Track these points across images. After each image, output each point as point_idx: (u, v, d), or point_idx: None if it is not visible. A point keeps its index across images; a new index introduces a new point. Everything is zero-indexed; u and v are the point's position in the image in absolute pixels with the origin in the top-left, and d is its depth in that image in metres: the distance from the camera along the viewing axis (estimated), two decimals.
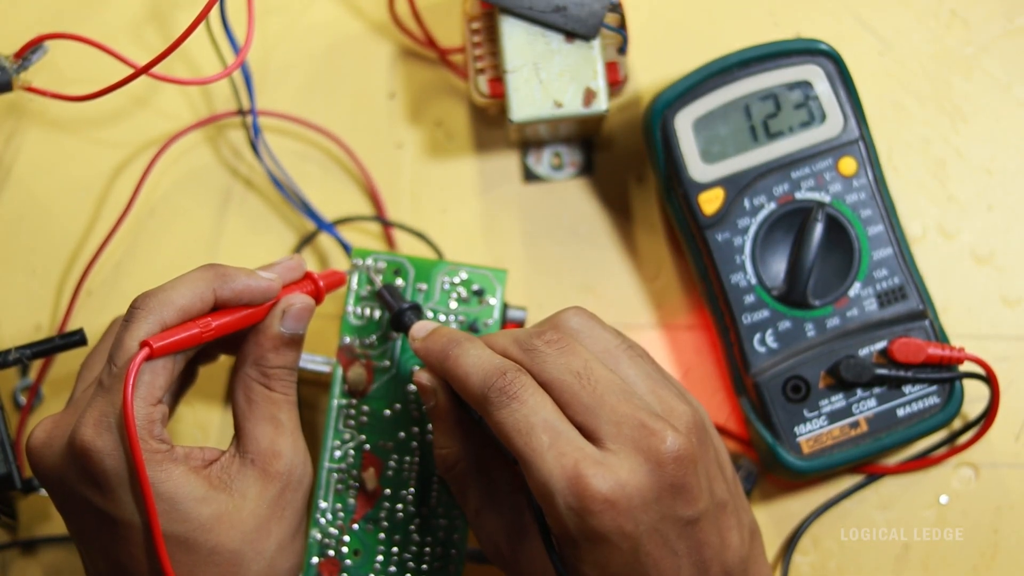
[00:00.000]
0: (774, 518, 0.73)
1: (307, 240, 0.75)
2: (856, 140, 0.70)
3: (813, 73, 0.70)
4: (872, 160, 0.70)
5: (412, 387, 0.68)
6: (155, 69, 0.64)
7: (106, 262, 0.75)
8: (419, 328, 0.63)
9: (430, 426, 0.68)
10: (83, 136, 0.76)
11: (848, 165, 0.70)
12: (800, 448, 0.69)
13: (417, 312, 0.66)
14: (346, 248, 0.73)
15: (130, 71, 0.64)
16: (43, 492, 0.69)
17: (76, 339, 0.67)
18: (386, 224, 0.75)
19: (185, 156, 0.76)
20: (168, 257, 0.75)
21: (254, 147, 0.74)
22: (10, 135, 0.76)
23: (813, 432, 0.69)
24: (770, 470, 0.71)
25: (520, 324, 0.70)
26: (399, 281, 0.69)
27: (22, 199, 0.75)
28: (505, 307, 0.70)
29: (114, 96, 0.66)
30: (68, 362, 0.74)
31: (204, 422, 0.74)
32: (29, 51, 0.68)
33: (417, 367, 0.63)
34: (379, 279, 0.69)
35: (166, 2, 0.76)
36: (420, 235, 0.74)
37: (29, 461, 0.59)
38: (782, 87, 0.70)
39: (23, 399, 0.73)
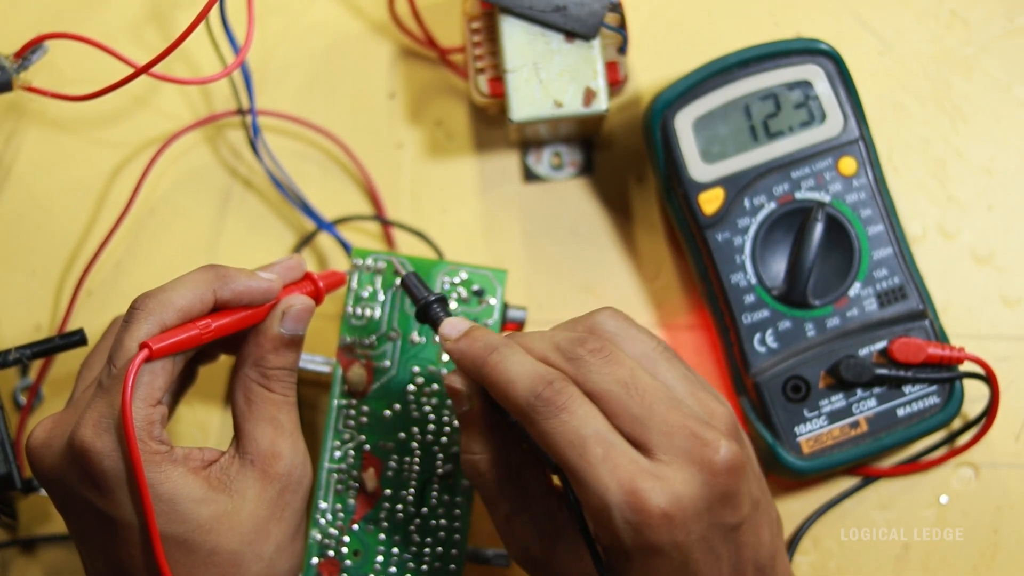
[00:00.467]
0: None
1: (307, 240, 0.75)
2: (856, 140, 0.70)
3: (813, 73, 0.70)
4: (872, 160, 0.70)
5: (412, 387, 0.68)
6: (155, 69, 0.64)
7: (106, 262, 0.75)
8: (451, 327, 0.61)
9: (431, 426, 0.68)
10: (83, 136, 0.76)
11: (848, 165, 0.70)
12: (800, 448, 0.69)
13: (443, 305, 0.63)
14: (346, 248, 0.73)
15: (130, 71, 0.64)
16: (43, 492, 0.69)
17: (76, 339, 0.67)
18: (386, 224, 0.75)
19: (185, 156, 0.76)
20: (168, 257, 0.75)
21: (254, 147, 0.74)
22: (10, 135, 0.76)
23: (813, 432, 0.69)
24: (770, 470, 0.71)
25: (520, 324, 0.70)
26: (398, 281, 0.69)
27: (22, 199, 0.75)
28: (505, 307, 0.70)
29: (114, 96, 0.66)
30: (68, 362, 0.74)
31: (204, 422, 0.74)
32: (29, 51, 0.67)
33: (446, 370, 0.62)
34: (404, 267, 0.67)
35: (166, 2, 0.76)
36: (420, 234, 0.74)
37: (29, 461, 0.59)
38: (782, 87, 0.70)
39: (23, 399, 0.73)
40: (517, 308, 0.70)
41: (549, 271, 0.75)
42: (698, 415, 0.57)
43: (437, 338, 0.62)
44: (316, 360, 0.69)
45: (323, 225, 0.74)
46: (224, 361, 0.71)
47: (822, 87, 0.70)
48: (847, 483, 0.73)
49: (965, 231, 0.74)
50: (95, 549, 0.58)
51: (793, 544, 0.72)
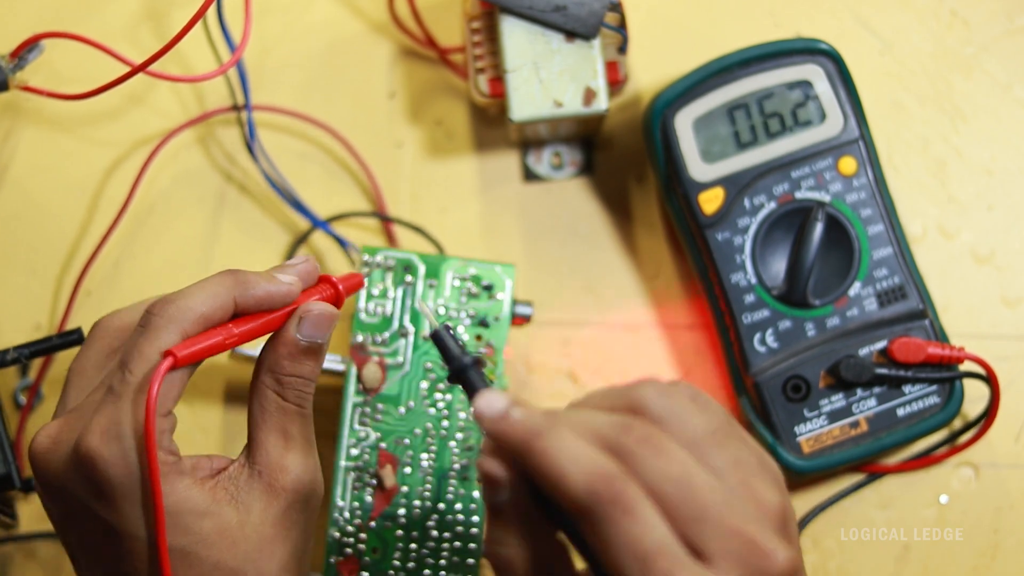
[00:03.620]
0: None
1: (303, 238, 0.75)
2: (856, 140, 0.70)
3: (813, 73, 0.70)
4: (872, 160, 0.70)
5: (425, 383, 0.69)
6: (151, 67, 0.64)
7: (104, 261, 0.74)
8: (487, 405, 0.53)
9: (445, 422, 0.68)
10: (80, 135, 0.75)
11: (848, 165, 0.70)
12: (800, 448, 0.69)
13: (479, 368, 0.55)
14: (343, 244, 0.73)
15: (126, 70, 0.64)
16: None
17: (74, 338, 0.67)
18: (383, 219, 0.75)
19: (181, 154, 0.75)
20: (166, 255, 0.75)
21: (249, 146, 0.74)
22: (6, 134, 0.75)
23: (813, 432, 0.69)
24: None
25: (527, 319, 0.70)
26: (408, 278, 0.69)
27: (19, 198, 0.75)
28: (514, 303, 0.70)
29: (110, 95, 0.66)
30: (67, 362, 0.72)
31: (205, 422, 0.74)
32: (25, 50, 0.67)
33: (482, 454, 0.53)
34: (432, 315, 0.63)
35: (163, 1, 0.76)
36: (418, 229, 0.74)
37: (32, 467, 0.57)
38: (782, 87, 0.70)
39: (23, 399, 0.73)
40: (524, 303, 0.70)
41: (549, 271, 0.75)
42: (754, 516, 0.52)
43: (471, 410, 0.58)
44: (330, 358, 0.69)
45: (317, 223, 0.74)
46: (225, 361, 0.71)
47: (822, 87, 0.70)
48: (847, 482, 0.73)
49: (965, 231, 0.75)
50: (94, 560, 0.56)
51: None
